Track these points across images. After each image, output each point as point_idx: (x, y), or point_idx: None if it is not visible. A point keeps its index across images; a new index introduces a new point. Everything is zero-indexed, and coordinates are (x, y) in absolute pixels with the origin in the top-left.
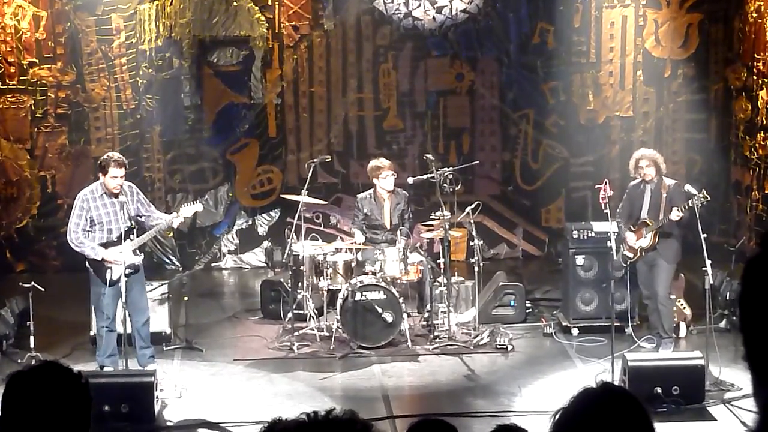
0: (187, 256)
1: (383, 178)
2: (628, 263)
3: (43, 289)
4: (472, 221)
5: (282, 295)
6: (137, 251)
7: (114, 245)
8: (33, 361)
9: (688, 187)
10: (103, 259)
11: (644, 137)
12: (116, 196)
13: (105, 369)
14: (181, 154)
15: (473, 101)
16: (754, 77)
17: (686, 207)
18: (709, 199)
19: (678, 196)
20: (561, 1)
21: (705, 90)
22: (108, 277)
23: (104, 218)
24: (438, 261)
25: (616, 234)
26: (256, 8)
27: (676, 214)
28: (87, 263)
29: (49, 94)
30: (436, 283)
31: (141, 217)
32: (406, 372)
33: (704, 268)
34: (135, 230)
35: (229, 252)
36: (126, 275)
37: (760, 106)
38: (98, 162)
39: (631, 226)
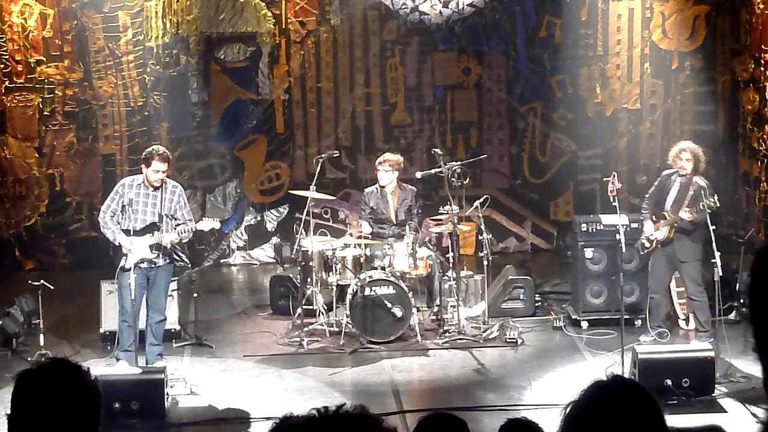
0: (196, 253)
1: (378, 171)
2: (645, 252)
3: (53, 287)
4: (480, 215)
5: (291, 290)
6: (153, 248)
7: (138, 235)
8: (42, 359)
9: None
10: (119, 244)
11: (652, 129)
12: (156, 189)
13: (119, 362)
14: (189, 151)
15: (480, 95)
16: (762, 68)
17: (698, 209)
18: (718, 205)
19: (704, 198)
20: None
21: (712, 82)
22: (122, 263)
23: (134, 206)
24: (447, 255)
25: (625, 226)
26: (263, 4)
27: (687, 215)
28: (111, 248)
29: (56, 92)
30: (445, 278)
31: (177, 220)
32: (415, 366)
33: (713, 260)
34: (163, 228)
35: (238, 248)
36: (143, 268)
37: (767, 98)
38: (142, 154)
39: (654, 216)
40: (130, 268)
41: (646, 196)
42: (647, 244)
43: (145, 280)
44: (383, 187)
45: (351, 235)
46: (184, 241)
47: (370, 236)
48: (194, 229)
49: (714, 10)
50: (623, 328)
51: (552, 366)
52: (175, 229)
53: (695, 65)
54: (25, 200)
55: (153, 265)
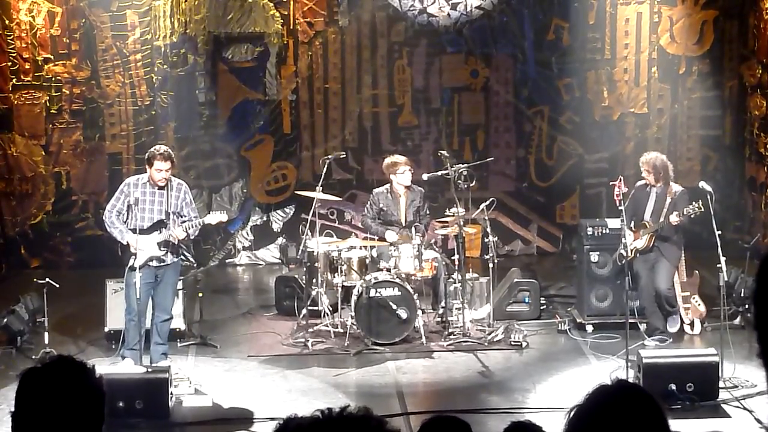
0: (201, 253)
1: (401, 173)
2: (623, 262)
3: (58, 285)
4: (486, 218)
5: (296, 291)
6: (161, 246)
7: (145, 234)
8: (47, 357)
9: (702, 184)
10: (127, 243)
11: (659, 134)
12: (161, 188)
13: (124, 361)
14: (196, 151)
15: (488, 98)
16: None
17: (683, 213)
18: (702, 210)
19: (682, 203)
20: None
21: (719, 87)
22: (131, 262)
23: (140, 204)
24: (452, 257)
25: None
26: (271, 4)
27: (675, 219)
28: (119, 247)
29: (63, 90)
30: (451, 280)
31: (184, 217)
32: (420, 368)
33: (719, 265)
34: (170, 225)
35: (244, 248)
36: (152, 266)
37: None
38: (145, 154)
39: (633, 227)
40: (138, 267)
41: (622, 208)
42: (625, 254)
43: (153, 278)
44: (393, 189)
45: (357, 237)
46: (191, 237)
47: (392, 244)
48: (201, 224)
49: (722, 15)
50: (628, 332)
51: (557, 369)
52: (181, 225)
53: (703, 70)
54: (31, 198)
55: (162, 263)
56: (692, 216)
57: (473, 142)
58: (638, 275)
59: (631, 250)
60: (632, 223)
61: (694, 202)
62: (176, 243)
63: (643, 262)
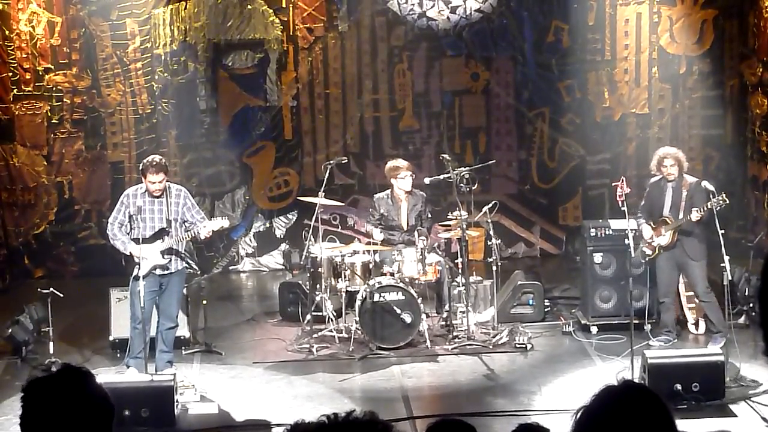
0: (205, 260)
1: (401, 178)
2: (647, 260)
3: (62, 295)
4: (489, 220)
5: (300, 297)
6: (165, 254)
7: (148, 243)
8: (52, 367)
9: (705, 184)
10: (130, 253)
11: (660, 134)
12: (160, 196)
13: (129, 370)
14: (198, 158)
15: (489, 100)
16: None
17: (705, 208)
18: (728, 202)
19: (699, 194)
20: None
21: (720, 86)
22: (135, 271)
23: (141, 214)
24: (456, 261)
25: (635, 231)
26: (270, 11)
27: (696, 215)
28: (123, 257)
29: (64, 99)
30: (455, 283)
31: (187, 222)
32: (425, 372)
33: (722, 264)
34: (172, 233)
35: (247, 255)
36: (156, 275)
37: None
38: (139, 166)
39: (652, 223)
40: (142, 276)
41: (640, 206)
42: (649, 252)
43: (157, 287)
44: (394, 194)
45: (360, 240)
46: (214, 232)
47: (380, 243)
48: (196, 232)
49: (722, 14)
50: (633, 333)
51: (562, 371)
52: (201, 223)
53: (703, 69)
54: (34, 208)
55: (166, 271)
56: (719, 208)
57: (475, 145)
58: (659, 271)
59: (656, 247)
60: (651, 219)
61: (718, 195)
62: (180, 249)
63: (666, 259)
